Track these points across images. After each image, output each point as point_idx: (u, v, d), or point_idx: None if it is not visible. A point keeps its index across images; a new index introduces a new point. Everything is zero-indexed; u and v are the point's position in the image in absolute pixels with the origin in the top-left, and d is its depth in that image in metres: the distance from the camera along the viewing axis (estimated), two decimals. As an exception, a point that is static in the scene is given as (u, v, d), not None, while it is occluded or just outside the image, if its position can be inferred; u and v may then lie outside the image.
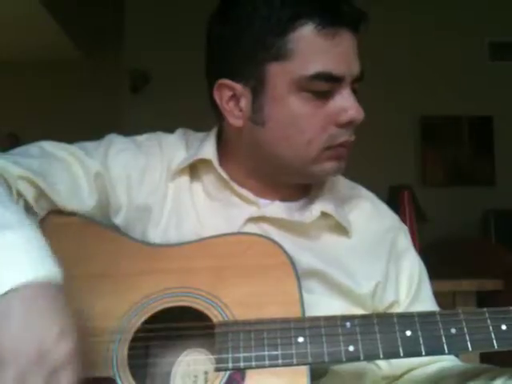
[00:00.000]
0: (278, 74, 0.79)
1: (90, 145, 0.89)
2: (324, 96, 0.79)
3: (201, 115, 1.12)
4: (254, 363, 0.69)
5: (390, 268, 0.89)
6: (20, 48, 4.18)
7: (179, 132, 0.95)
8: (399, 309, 0.88)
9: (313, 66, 0.77)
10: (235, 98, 0.82)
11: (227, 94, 0.83)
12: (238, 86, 0.81)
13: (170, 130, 0.97)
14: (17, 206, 0.72)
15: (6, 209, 0.67)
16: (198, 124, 1.00)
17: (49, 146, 0.87)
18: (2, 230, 0.63)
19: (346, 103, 0.79)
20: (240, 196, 0.87)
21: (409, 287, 0.90)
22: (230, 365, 0.69)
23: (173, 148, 0.91)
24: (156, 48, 3.66)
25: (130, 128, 1.23)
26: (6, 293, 0.58)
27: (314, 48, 0.77)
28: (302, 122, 0.80)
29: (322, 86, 0.78)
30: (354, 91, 0.82)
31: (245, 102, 0.82)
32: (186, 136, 0.94)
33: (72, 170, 0.84)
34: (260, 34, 0.78)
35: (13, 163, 0.78)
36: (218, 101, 0.84)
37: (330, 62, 0.78)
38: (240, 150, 0.87)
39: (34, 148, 0.86)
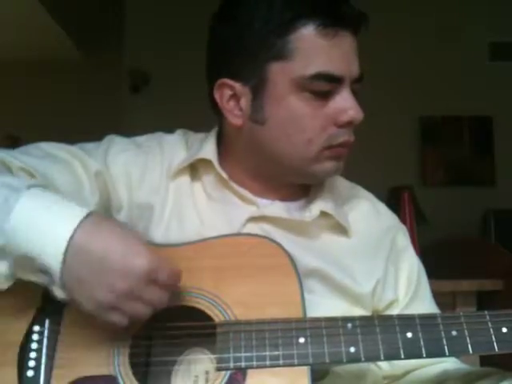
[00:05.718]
0: (279, 74, 0.79)
1: (90, 145, 0.90)
2: (324, 96, 0.80)
3: (201, 116, 1.12)
4: (255, 363, 0.69)
5: (389, 267, 0.90)
6: (20, 48, 4.17)
7: (179, 132, 0.96)
8: (398, 307, 0.89)
9: (313, 66, 0.78)
10: (235, 97, 0.83)
11: (227, 93, 0.83)
12: (239, 85, 0.82)
13: (169, 130, 0.97)
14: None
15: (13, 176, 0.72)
16: (197, 124, 1.00)
17: (49, 146, 0.87)
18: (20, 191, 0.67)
19: (345, 103, 0.80)
20: (239, 196, 0.87)
21: (408, 286, 0.90)
22: (231, 364, 0.69)
23: (173, 148, 0.91)
24: (156, 48, 3.66)
25: (130, 128, 1.23)
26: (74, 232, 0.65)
27: (314, 48, 0.78)
28: (302, 121, 0.80)
29: (322, 86, 0.79)
30: (355, 92, 0.82)
31: (245, 101, 0.82)
32: (186, 136, 0.94)
33: (73, 170, 0.84)
34: (261, 34, 0.79)
35: (13, 158, 0.78)
36: (218, 100, 0.84)
37: (330, 62, 0.78)
38: (240, 149, 0.87)
39: (34, 149, 0.86)
